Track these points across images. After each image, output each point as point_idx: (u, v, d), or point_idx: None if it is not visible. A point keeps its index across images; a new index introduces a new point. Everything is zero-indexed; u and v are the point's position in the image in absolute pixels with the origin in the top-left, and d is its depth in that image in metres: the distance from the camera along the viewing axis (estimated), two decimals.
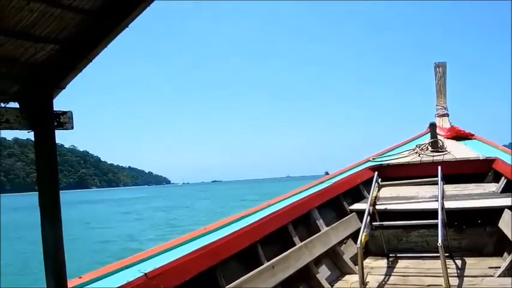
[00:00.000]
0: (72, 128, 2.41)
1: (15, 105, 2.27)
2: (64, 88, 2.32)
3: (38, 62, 2.17)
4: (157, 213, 45.98)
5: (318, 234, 5.24)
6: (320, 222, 5.61)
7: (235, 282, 3.64)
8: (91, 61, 2.23)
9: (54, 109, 2.32)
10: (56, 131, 2.31)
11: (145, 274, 3.04)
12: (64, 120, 2.37)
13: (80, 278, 2.84)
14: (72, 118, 2.41)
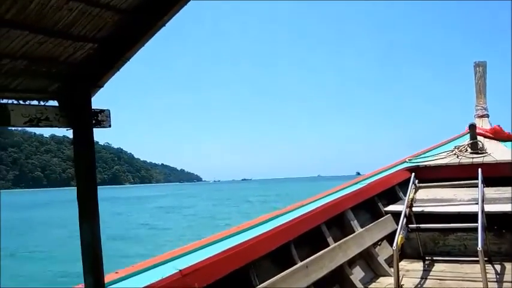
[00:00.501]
0: (109, 126, 2.46)
1: (55, 103, 2.34)
2: (102, 86, 2.37)
3: (77, 61, 2.22)
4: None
5: (352, 235, 5.18)
6: (354, 223, 5.55)
7: (268, 281, 3.64)
8: (129, 60, 2.27)
9: (93, 107, 2.37)
10: (93, 128, 2.37)
11: (180, 271, 3.07)
12: (102, 119, 2.42)
13: (117, 273, 2.89)
14: (110, 116, 2.46)
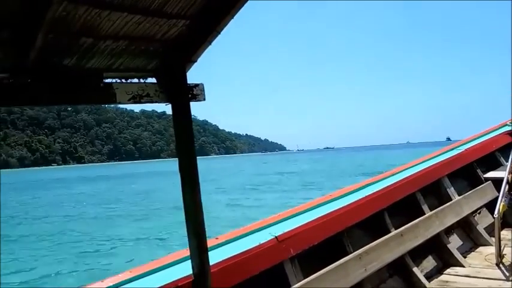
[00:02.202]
0: (204, 99, 2.59)
1: (153, 80, 2.51)
2: (196, 61, 2.49)
3: (171, 38, 2.35)
4: None
5: (449, 203, 5.02)
6: (451, 191, 5.37)
7: (362, 249, 3.67)
8: (219, 32, 2.35)
9: (188, 82, 2.51)
10: (190, 102, 2.52)
11: (276, 237, 3.21)
12: (197, 93, 2.56)
13: (217, 238, 3.09)
14: (204, 90, 2.59)
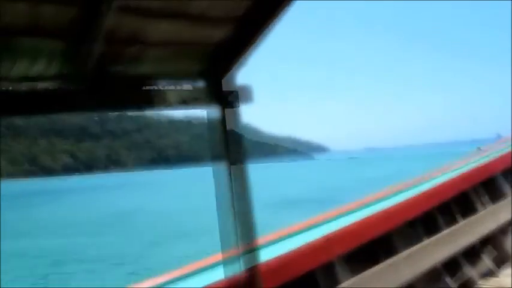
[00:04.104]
0: (238, 106, 2.64)
1: (200, 84, 2.61)
2: (231, 70, 2.59)
3: (216, 41, 2.45)
4: None
5: (505, 200, 4.93)
6: (505, 188, 5.26)
7: (412, 248, 3.66)
8: (256, 44, 2.45)
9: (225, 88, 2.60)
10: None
11: (324, 236, 3.26)
12: (231, 99, 2.63)
13: (265, 238, 3.18)
14: (238, 97, 2.65)
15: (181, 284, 2.69)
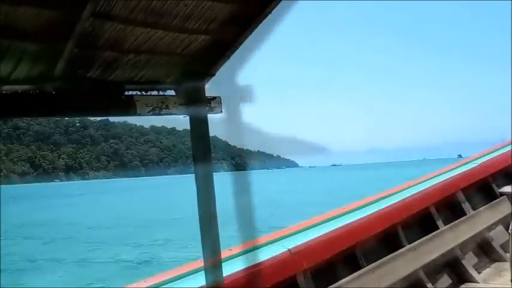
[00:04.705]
0: (221, 112, 2.72)
1: (172, 93, 2.65)
2: (214, 75, 2.63)
3: (192, 52, 2.50)
4: None
5: (464, 218, 5.08)
6: (466, 206, 5.42)
7: (375, 263, 3.74)
8: (238, 48, 2.50)
9: (206, 95, 2.65)
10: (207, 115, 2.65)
11: (289, 250, 3.31)
12: (214, 105, 2.69)
13: (230, 250, 3.20)
14: (221, 103, 2.72)
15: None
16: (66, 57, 2.09)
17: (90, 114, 2.41)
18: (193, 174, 2.61)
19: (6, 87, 2.12)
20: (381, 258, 3.84)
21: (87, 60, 2.24)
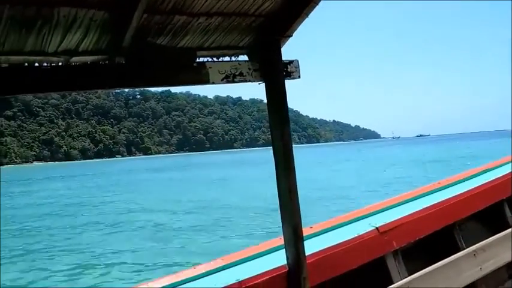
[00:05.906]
0: (299, 77, 2.74)
1: (246, 58, 2.69)
2: (291, 36, 2.64)
3: (265, 12, 2.52)
4: None
5: None
6: None
7: (478, 244, 3.62)
8: (317, 4, 2.48)
9: (282, 58, 2.67)
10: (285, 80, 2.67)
11: (377, 228, 3.30)
12: (291, 70, 2.71)
13: (311, 228, 3.26)
14: (299, 67, 2.74)
15: (227, 272, 2.80)
16: (135, 25, 2.18)
17: (161, 84, 2.50)
18: (271, 147, 2.67)
19: (75, 59, 2.23)
20: (483, 239, 3.72)
21: (156, 27, 2.32)
